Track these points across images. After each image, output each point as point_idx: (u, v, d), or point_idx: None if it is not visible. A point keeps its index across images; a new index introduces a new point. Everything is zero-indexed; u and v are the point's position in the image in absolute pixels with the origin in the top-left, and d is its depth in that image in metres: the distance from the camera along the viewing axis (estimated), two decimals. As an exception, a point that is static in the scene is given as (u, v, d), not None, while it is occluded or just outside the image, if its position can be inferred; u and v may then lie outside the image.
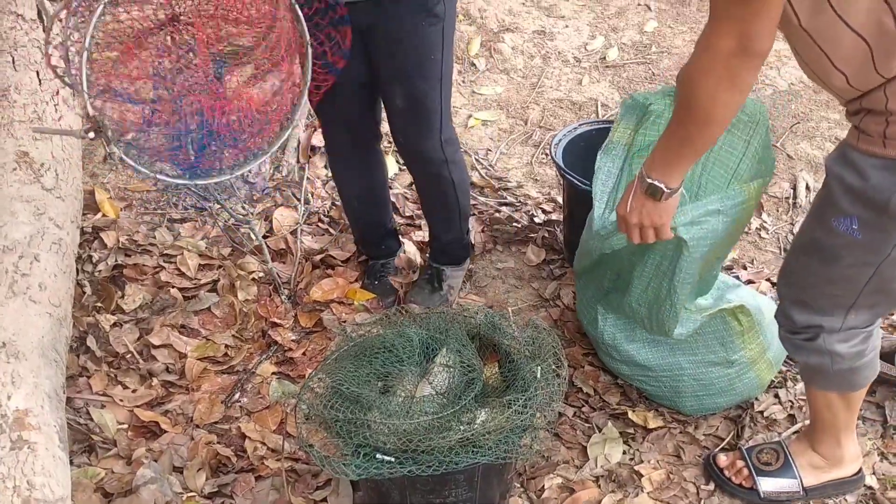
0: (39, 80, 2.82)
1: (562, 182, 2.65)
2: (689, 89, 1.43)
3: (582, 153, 2.61)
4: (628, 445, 2.15)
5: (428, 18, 2.00)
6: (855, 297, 1.63)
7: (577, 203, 2.57)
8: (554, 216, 2.90)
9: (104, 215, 2.80)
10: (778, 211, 2.97)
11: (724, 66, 1.35)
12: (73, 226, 2.37)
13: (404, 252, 2.70)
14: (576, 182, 2.43)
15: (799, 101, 3.50)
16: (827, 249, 1.60)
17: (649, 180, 1.61)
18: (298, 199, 2.91)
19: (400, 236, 2.72)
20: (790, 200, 3.00)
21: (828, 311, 1.68)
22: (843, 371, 1.76)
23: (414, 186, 2.63)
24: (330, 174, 3.01)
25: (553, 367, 1.76)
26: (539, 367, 1.69)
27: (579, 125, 2.68)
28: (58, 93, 2.85)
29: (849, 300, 1.65)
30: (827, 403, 1.87)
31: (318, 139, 3.17)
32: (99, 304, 2.45)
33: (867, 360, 1.77)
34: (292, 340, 2.39)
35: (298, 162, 3.12)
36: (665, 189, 1.60)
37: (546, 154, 3.21)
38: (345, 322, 2.40)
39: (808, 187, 3.04)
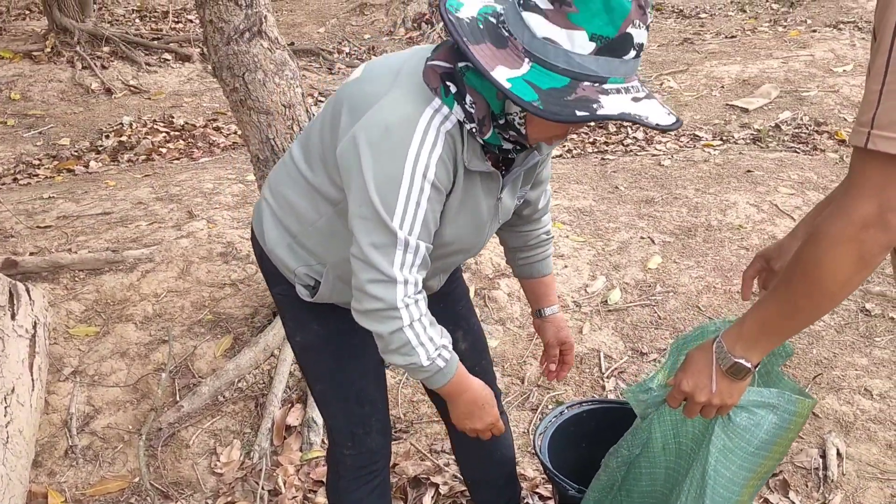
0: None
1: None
2: (811, 254, 1.28)
3: (573, 440, 2.33)
4: None
5: None
6: None
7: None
8: (552, 503, 2.58)
9: (54, 523, 2.55)
10: (807, 487, 2.60)
11: (856, 236, 1.22)
12: (-5, 562, 2.12)
13: None
14: (566, 486, 2.13)
15: (820, 344, 3.21)
16: None
17: (734, 359, 1.44)
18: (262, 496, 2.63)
19: None
20: (820, 472, 2.63)
21: None
22: None
23: None
24: (300, 457, 2.75)
25: None
26: None
27: (567, 407, 2.40)
28: (13, 391, 2.69)
29: None
30: None
31: (293, 417, 2.94)
32: None
33: None
34: None
35: (272, 444, 2.88)
36: (751, 368, 1.44)
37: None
38: None
39: (839, 454, 2.68)
